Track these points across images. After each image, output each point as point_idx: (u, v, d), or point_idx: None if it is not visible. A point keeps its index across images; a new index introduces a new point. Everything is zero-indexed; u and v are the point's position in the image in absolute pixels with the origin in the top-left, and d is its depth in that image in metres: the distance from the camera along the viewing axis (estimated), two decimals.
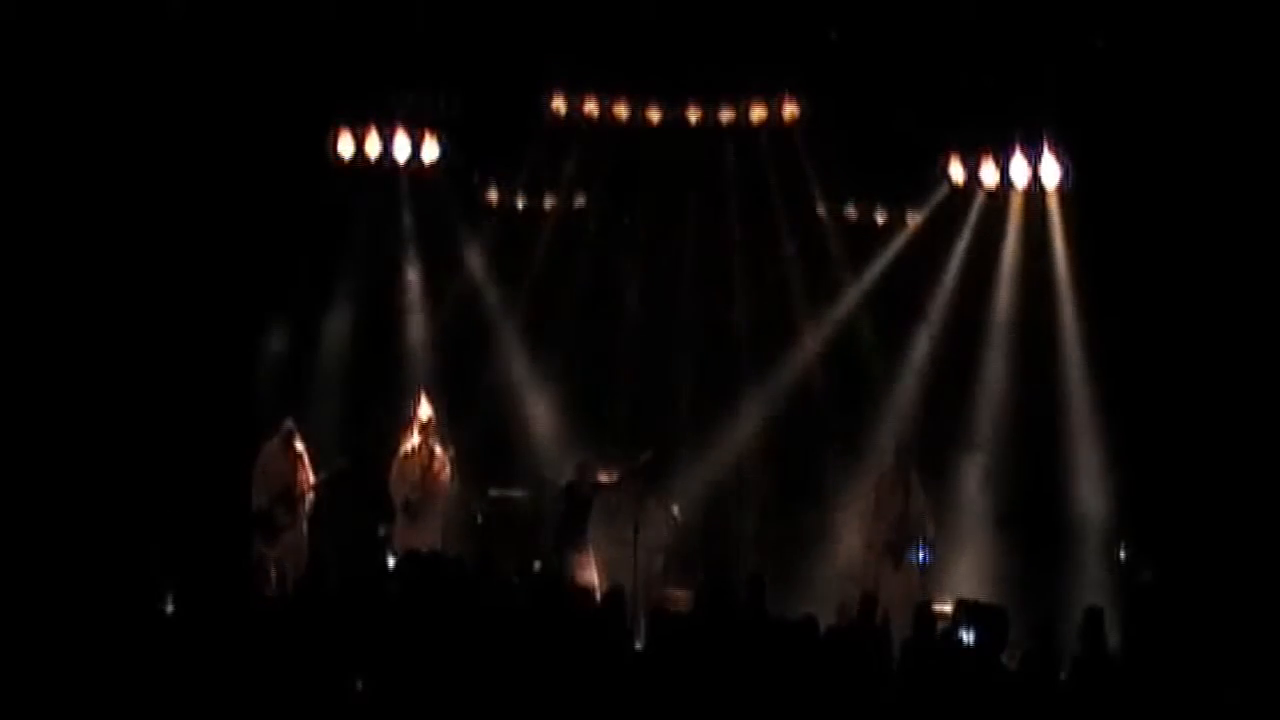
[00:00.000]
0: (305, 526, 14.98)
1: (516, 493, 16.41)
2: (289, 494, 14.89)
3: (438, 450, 15.08)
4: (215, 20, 15.07)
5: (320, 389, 16.31)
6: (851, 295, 17.12)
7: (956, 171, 16.36)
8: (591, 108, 16.57)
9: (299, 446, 15.01)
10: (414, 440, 15.14)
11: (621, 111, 16.57)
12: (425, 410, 15.19)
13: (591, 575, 15.00)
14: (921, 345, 16.74)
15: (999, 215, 16.54)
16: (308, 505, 15.03)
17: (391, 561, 14.30)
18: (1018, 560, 15.23)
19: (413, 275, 17.04)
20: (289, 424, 14.97)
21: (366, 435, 15.86)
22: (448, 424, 15.42)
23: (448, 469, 15.10)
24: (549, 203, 17.24)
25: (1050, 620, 10.81)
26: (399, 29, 15.47)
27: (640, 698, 9.28)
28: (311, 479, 14.98)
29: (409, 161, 16.38)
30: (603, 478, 15.49)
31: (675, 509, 16.52)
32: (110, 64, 15.03)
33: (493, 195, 17.14)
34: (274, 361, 16.38)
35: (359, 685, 9.23)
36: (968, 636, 10.63)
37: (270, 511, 14.83)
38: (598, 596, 12.87)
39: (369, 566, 14.40)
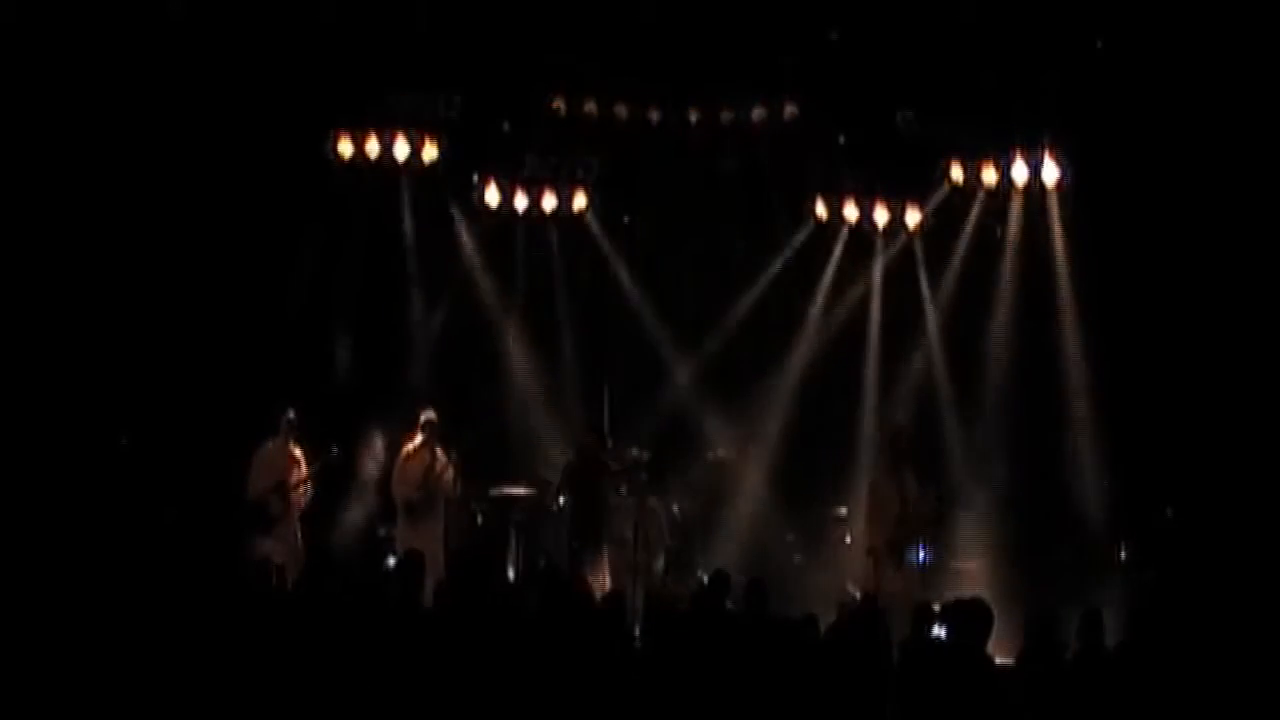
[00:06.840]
0: (297, 518, 14.97)
1: (518, 491, 16.41)
2: (284, 485, 14.90)
3: (439, 452, 15.09)
4: (215, 22, 15.08)
5: (321, 388, 16.30)
6: (852, 295, 17.19)
7: (956, 172, 16.38)
8: (591, 108, 16.57)
9: (296, 443, 15.03)
10: (416, 441, 15.15)
11: (621, 112, 16.57)
12: (428, 413, 15.20)
13: (603, 577, 15.03)
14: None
15: (999, 215, 16.57)
16: (301, 498, 15.03)
17: (391, 562, 14.34)
18: (1018, 560, 15.24)
19: (413, 275, 17.04)
20: (290, 416, 14.98)
21: (364, 428, 15.90)
22: (449, 425, 15.41)
23: (449, 470, 15.10)
24: (549, 203, 17.24)
25: (1050, 620, 10.77)
26: (399, 30, 15.48)
27: (640, 698, 9.30)
28: (305, 472, 15.00)
29: (408, 161, 16.39)
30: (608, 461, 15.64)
31: (675, 509, 16.54)
32: (110, 65, 15.03)
33: (493, 195, 17.14)
34: (276, 360, 16.37)
35: (357, 686, 9.24)
36: (945, 633, 10.51)
37: (264, 500, 14.83)
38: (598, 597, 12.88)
39: (369, 567, 14.48)
